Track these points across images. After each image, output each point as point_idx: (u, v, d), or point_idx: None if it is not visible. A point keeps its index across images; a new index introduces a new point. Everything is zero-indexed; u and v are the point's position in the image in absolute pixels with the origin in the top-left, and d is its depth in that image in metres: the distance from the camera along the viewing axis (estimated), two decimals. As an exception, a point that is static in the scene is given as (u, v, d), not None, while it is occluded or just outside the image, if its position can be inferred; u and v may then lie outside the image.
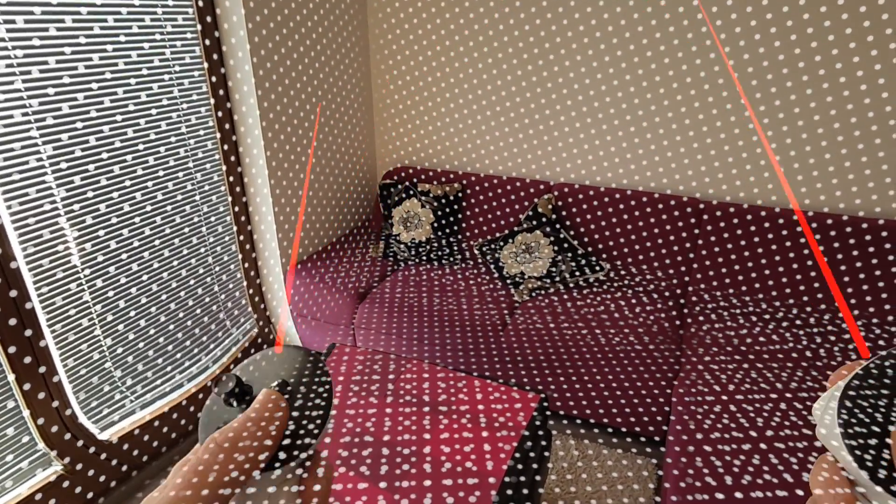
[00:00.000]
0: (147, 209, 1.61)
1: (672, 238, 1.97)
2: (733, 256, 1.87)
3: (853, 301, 1.72)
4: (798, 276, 1.78)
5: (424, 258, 2.27)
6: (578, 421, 1.88)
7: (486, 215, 2.31)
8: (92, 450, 1.51)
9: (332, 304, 2.07)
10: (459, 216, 2.35)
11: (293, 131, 2.05)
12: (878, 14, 1.63)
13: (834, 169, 1.81)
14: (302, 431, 0.27)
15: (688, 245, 1.96)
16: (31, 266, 1.33)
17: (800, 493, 1.15)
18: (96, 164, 1.45)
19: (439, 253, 2.27)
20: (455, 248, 2.30)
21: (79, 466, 1.48)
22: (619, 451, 1.75)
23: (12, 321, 1.28)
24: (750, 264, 1.85)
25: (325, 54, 2.16)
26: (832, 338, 1.68)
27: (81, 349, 1.48)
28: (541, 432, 1.37)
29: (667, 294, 2.00)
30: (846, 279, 1.72)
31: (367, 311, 2.02)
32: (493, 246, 2.18)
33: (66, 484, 1.45)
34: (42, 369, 1.36)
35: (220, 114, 1.83)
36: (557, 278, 2.02)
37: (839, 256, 1.73)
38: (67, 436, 1.44)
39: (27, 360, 1.32)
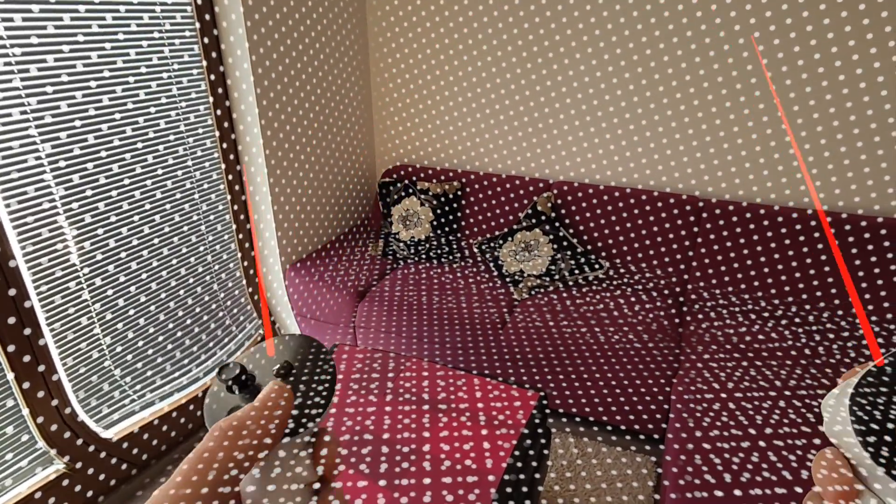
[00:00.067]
0: (146, 207, 1.61)
1: (671, 236, 1.97)
2: (732, 254, 1.87)
3: (851, 299, 1.72)
4: (797, 275, 1.78)
5: (424, 256, 2.27)
6: (578, 419, 1.88)
7: (486, 213, 2.31)
8: (92, 448, 1.51)
9: (332, 303, 2.07)
10: (459, 214, 2.35)
11: (292, 129, 2.05)
12: (877, 11, 1.62)
13: (833, 167, 1.81)
14: (309, 402, 0.28)
15: (687, 243, 1.96)
16: (29, 264, 1.33)
17: (798, 490, 1.15)
18: (95, 163, 1.45)
19: (438, 251, 2.27)
20: (454, 246, 2.30)
21: (79, 465, 1.48)
22: (618, 448, 1.75)
23: (11, 320, 1.28)
24: (749, 262, 1.85)
25: (324, 52, 2.16)
26: (831, 335, 1.68)
27: (81, 348, 1.48)
28: (540, 430, 1.37)
29: (666, 292, 2.00)
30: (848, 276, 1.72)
31: (366, 309, 2.02)
32: (492, 244, 2.18)
33: (66, 482, 1.45)
34: (41, 368, 1.36)
35: (218, 112, 1.83)
36: (557, 276, 2.02)
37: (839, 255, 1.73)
38: (67, 434, 1.44)
39: (26, 358, 1.32)
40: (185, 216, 1.74)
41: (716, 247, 1.90)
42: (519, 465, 1.21)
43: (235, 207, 1.97)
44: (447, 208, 2.30)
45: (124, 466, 1.62)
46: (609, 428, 1.83)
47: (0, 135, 1.24)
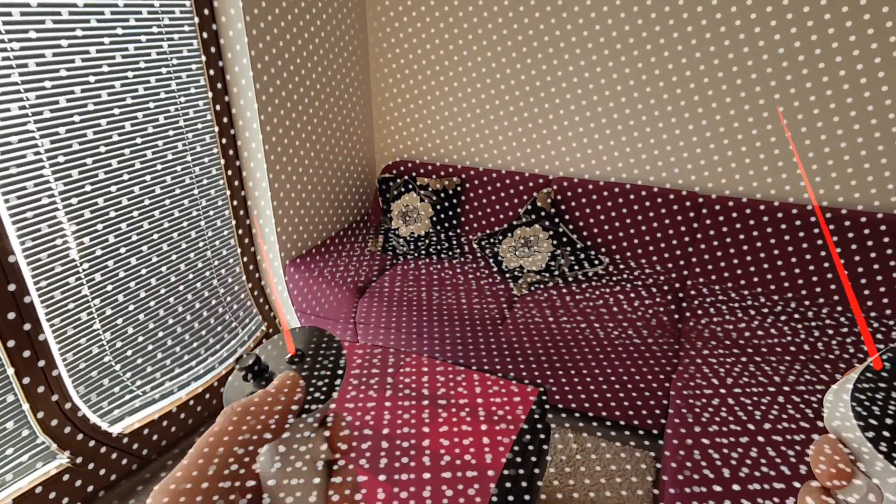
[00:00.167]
0: (145, 203, 1.61)
1: (671, 232, 1.97)
2: (732, 250, 1.87)
3: (847, 295, 1.72)
4: (796, 270, 1.78)
5: (423, 252, 2.27)
6: (577, 414, 1.88)
7: (486, 209, 2.31)
8: (92, 443, 1.51)
9: (332, 299, 2.07)
10: (458, 210, 2.35)
11: (291, 125, 2.04)
12: (878, 7, 1.62)
13: (833, 163, 1.81)
14: (321, 383, 0.30)
15: (687, 239, 1.96)
16: (29, 260, 1.33)
17: (797, 485, 1.15)
18: (94, 158, 1.45)
19: (438, 247, 2.27)
20: (454, 242, 2.30)
21: (79, 460, 1.48)
22: (617, 444, 1.76)
23: (11, 315, 1.28)
24: (749, 258, 1.85)
25: (324, 47, 2.15)
26: (830, 331, 1.69)
27: (80, 343, 1.48)
28: (539, 426, 1.37)
29: (665, 288, 2.01)
30: (845, 272, 1.72)
31: (366, 305, 2.02)
32: (492, 240, 2.18)
33: (66, 477, 1.46)
34: (41, 363, 1.36)
35: (218, 107, 1.82)
36: (556, 272, 2.02)
37: (838, 250, 1.73)
38: (67, 429, 1.45)
39: (26, 353, 1.32)
40: (184, 212, 1.74)
41: (715, 243, 1.90)
42: (518, 460, 1.21)
43: (235, 203, 1.97)
44: (447, 204, 2.30)
45: (125, 461, 1.62)
46: (608, 423, 1.84)
47: (-1, 130, 1.23)
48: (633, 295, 1.93)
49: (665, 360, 1.65)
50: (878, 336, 1.62)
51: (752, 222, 1.85)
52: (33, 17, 1.26)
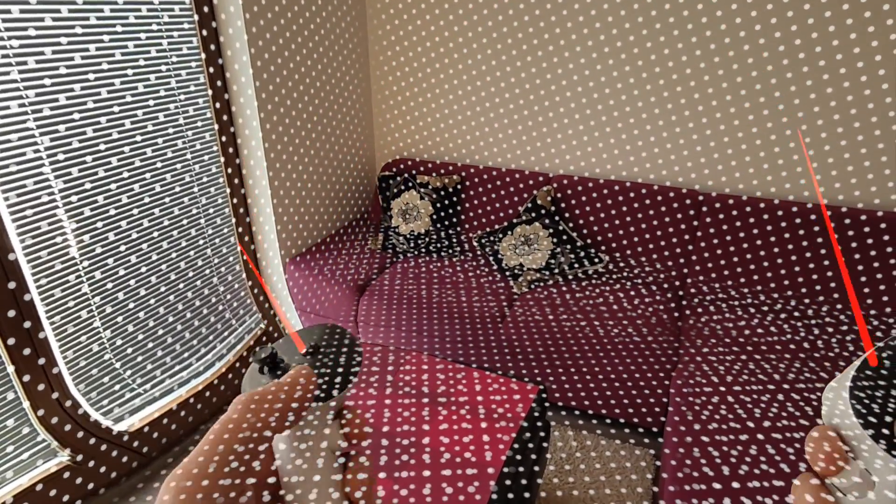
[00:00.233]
0: (145, 200, 1.61)
1: (671, 230, 1.97)
2: (732, 248, 1.87)
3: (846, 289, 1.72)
4: (797, 268, 1.78)
5: (423, 250, 2.27)
6: (577, 412, 1.89)
7: (485, 207, 2.31)
8: (93, 441, 1.51)
9: (332, 298, 2.07)
10: (458, 208, 2.34)
11: (291, 122, 2.04)
12: (878, 4, 1.62)
13: (833, 161, 1.81)
14: (339, 370, 0.31)
15: (686, 237, 1.96)
16: (29, 258, 1.33)
17: (796, 482, 1.15)
18: (94, 156, 1.45)
19: (438, 245, 2.27)
20: (454, 240, 2.30)
21: (79, 457, 1.49)
22: (617, 441, 1.76)
23: (11, 313, 1.28)
24: (748, 256, 1.85)
25: (324, 45, 2.15)
26: (830, 329, 1.69)
27: (81, 341, 1.48)
28: (539, 423, 1.38)
29: (665, 286, 2.01)
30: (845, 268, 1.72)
31: (366, 303, 2.02)
32: (492, 238, 2.18)
33: (67, 475, 1.46)
34: (41, 361, 1.36)
35: (217, 105, 1.82)
36: (556, 270, 2.02)
37: (840, 247, 1.73)
38: (68, 427, 1.45)
39: (26, 351, 1.32)
40: (184, 209, 1.74)
41: (715, 240, 1.90)
42: (518, 457, 1.22)
43: (235, 201, 1.96)
44: (447, 202, 2.30)
45: (126, 459, 1.62)
46: (608, 421, 1.84)
47: (-2, 127, 1.23)
48: (632, 293, 1.93)
49: (665, 357, 1.65)
50: (878, 334, 1.62)
51: (751, 220, 1.85)
52: (33, 14, 1.26)
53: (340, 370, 0.31)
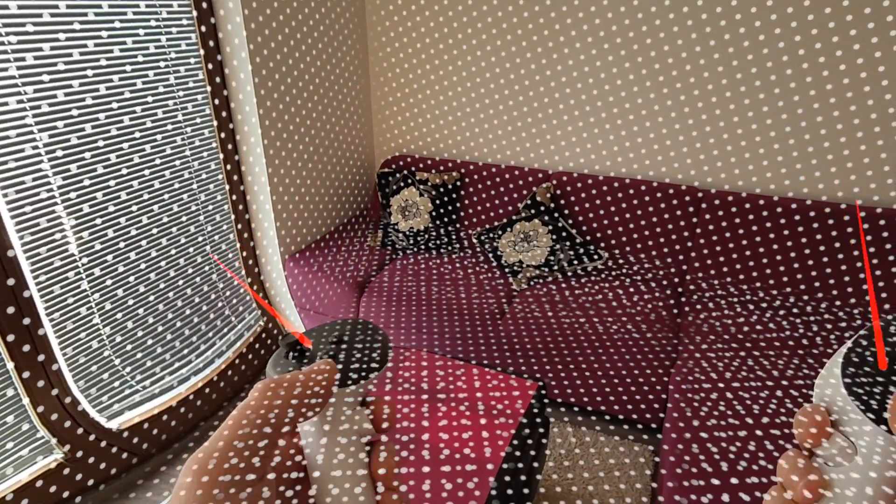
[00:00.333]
0: (144, 197, 1.60)
1: (670, 227, 1.97)
2: (731, 245, 1.88)
3: (850, 290, 1.73)
4: (795, 265, 1.78)
5: (423, 247, 2.27)
6: (576, 408, 1.89)
7: (485, 204, 2.31)
8: (92, 437, 1.52)
9: (332, 295, 2.07)
10: (458, 205, 2.34)
11: (290, 119, 2.04)
12: (878, 0, 1.61)
13: (833, 157, 1.81)
14: (366, 359, 0.32)
15: (686, 234, 1.96)
16: (28, 254, 1.33)
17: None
18: (93, 153, 1.44)
19: (437, 242, 2.27)
20: (453, 236, 2.30)
21: (79, 454, 1.49)
22: (616, 438, 1.77)
23: (10, 309, 1.28)
24: (748, 253, 1.85)
25: (323, 41, 2.14)
26: (829, 326, 1.69)
27: (80, 337, 1.48)
28: (539, 419, 1.38)
29: (664, 282, 2.01)
30: (843, 268, 1.73)
31: (365, 300, 2.02)
32: (491, 235, 2.18)
33: (66, 471, 1.46)
34: (41, 357, 1.36)
35: (216, 101, 1.82)
36: (556, 267, 2.02)
37: (837, 245, 1.73)
38: (68, 423, 1.45)
39: (26, 348, 1.32)
40: (183, 206, 1.74)
41: (714, 237, 1.90)
42: (517, 454, 1.22)
43: (234, 198, 1.96)
44: (446, 199, 2.30)
45: (125, 456, 1.62)
46: (607, 417, 1.84)
47: (-3, 124, 1.23)
48: (632, 289, 1.93)
49: (664, 354, 1.65)
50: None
51: (750, 217, 1.85)
52: (31, 10, 1.25)
53: (368, 358, 0.32)
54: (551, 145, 2.26)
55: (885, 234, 1.70)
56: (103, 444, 1.55)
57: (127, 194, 1.55)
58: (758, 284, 1.83)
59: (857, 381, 0.26)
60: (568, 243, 2.03)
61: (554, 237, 2.03)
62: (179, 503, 0.23)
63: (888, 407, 0.24)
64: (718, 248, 1.89)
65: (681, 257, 1.98)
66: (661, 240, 1.99)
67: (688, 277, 1.97)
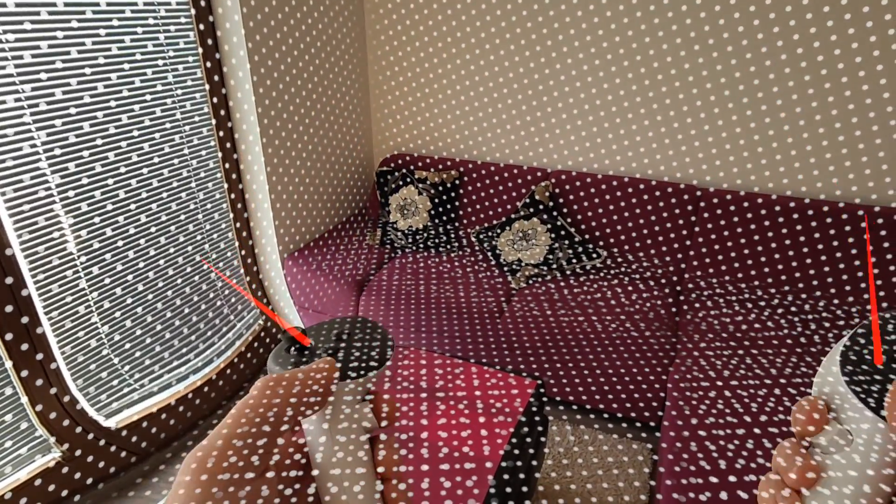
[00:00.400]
0: (142, 196, 1.60)
1: (669, 225, 1.98)
2: (730, 244, 1.88)
3: (847, 288, 1.73)
4: (794, 263, 1.78)
5: (421, 246, 2.27)
6: (575, 407, 1.89)
7: (484, 202, 2.31)
8: (91, 436, 1.52)
9: (331, 294, 2.07)
10: (456, 203, 2.34)
11: (289, 117, 2.04)
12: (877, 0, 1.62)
13: (830, 157, 1.81)
14: (366, 356, 0.32)
15: (684, 232, 1.97)
16: (26, 253, 1.32)
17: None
18: (91, 151, 1.44)
19: (436, 240, 2.27)
20: (452, 235, 2.30)
21: (78, 452, 1.49)
22: (614, 436, 1.77)
23: (9, 308, 1.28)
24: (746, 251, 1.85)
25: (321, 40, 2.14)
26: (827, 324, 1.69)
27: (78, 336, 1.48)
28: (537, 418, 1.38)
29: (663, 281, 2.01)
30: (841, 266, 1.73)
31: (364, 299, 2.02)
32: (490, 233, 2.18)
33: (65, 470, 1.46)
34: (39, 356, 1.36)
35: (214, 100, 1.81)
36: (554, 265, 2.02)
37: (835, 244, 1.74)
38: (66, 422, 1.45)
39: (24, 346, 1.32)
40: (181, 205, 1.73)
41: (713, 236, 1.91)
42: (516, 452, 1.22)
43: (233, 196, 1.96)
44: (445, 197, 2.30)
45: (124, 454, 1.62)
46: (606, 415, 1.85)
47: (-6, 122, 1.23)
48: (630, 288, 1.93)
49: (662, 352, 1.66)
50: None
51: (749, 216, 1.86)
52: (28, 7, 1.25)
53: (368, 354, 0.32)
54: (550, 144, 2.26)
55: (883, 233, 1.70)
56: (102, 442, 1.55)
57: (125, 193, 1.55)
58: (756, 283, 1.84)
59: (855, 373, 0.27)
60: (567, 242, 2.03)
61: (553, 236, 2.03)
62: (178, 502, 0.23)
63: (886, 401, 0.25)
64: (717, 247, 1.90)
65: (679, 256, 1.98)
66: (660, 238, 1.99)
67: (686, 276, 1.97)
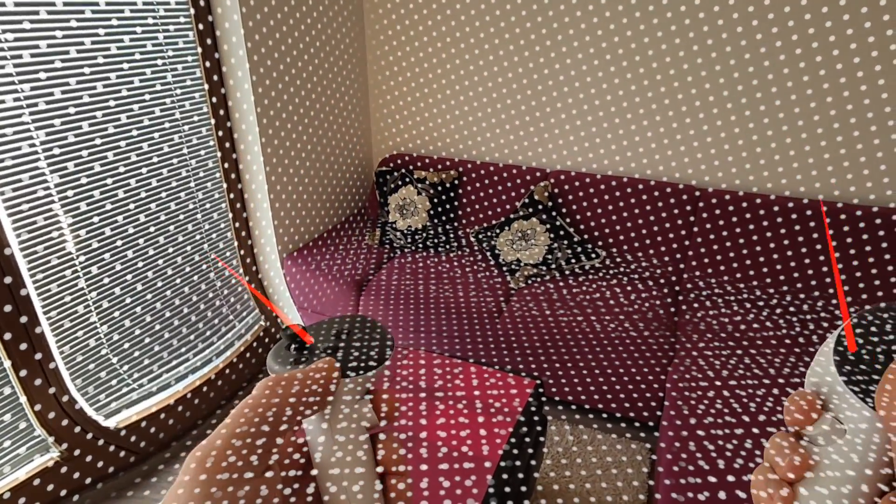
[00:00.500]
0: (141, 196, 1.60)
1: (667, 225, 1.98)
2: (728, 243, 1.88)
3: (846, 287, 1.73)
4: (792, 263, 1.79)
5: (421, 246, 2.27)
6: (573, 406, 1.90)
7: (483, 202, 2.31)
8: (90, 436, 1.51)
9: (330, 294, 2.07)
10: (456, 203, 2.34)
11: (288, 117, 2.04)
12: (875, 2, 1.62)
13: (829, 157, 1.82)
14: (369, 350, 0.32)
15: (683, 232, 1.97)
16: (25, 253, 1.32)
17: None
18: (90, 150, 1.44)
19: (436, 240, 2.27)
20: (451, 235, 2.30)
21: (76, 452, 1.49)
22: (613, 436, 1.77)
23: (7, 308, 1.27)
24: (744, 251, 1.86)
25: (321, 39, 2.14)
26: (825, 324, 1.70)
27: (77, 336, 1.48)
28: (536, 417, 1.38)
29: (661, 281, 2.01)
30: (840, 266, 1.73)
31: (363, 299, 2.02)
32: (489, 233, 2.18)
33: (63, 469, 1.46)
34: (38, 356, 1.36)
35: (214, 99, 1.81)
36: (553, 265, 2.03)
37: (833, 244, 1.74)
38: (65, 422, 1.45)
39: (23, 346, 1.32)
40: (180, 204, 1.73)
41: (712, 236, 1.91)
42: (515, 451, 1.22)
43: (232, 196, 1.96)
44: (444, 197, 2.30)
45: (123, 454, 1.62)
46: (604, 415, 1.85)
47: (-7, 122, 1.23)
48: (629, 288, 1.94)
49: (661, 352, 1.66)
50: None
51: (747, 216, 1.86)
52: (27, 7, 1.25)
53: (370, 351, 0.32)
54: (549, 144, 2.27)
55: (882, 233, 1.70)
56: (101, 442, 1.55)
57: (124, 192, 1.54)
58: (755, 283, 1.84)
59: (844, 364, 0.27)
60: (565, 242, 2.03)
61: (552, 236, 2.04)
62: (178, 501, 0.23)
63: (883, 398, 0.25)
64: (715, 247, 1.90)
65: (678, 256, 1.99)
66: (659, 238, 2.00)
67: (685, 276, 1.97)
